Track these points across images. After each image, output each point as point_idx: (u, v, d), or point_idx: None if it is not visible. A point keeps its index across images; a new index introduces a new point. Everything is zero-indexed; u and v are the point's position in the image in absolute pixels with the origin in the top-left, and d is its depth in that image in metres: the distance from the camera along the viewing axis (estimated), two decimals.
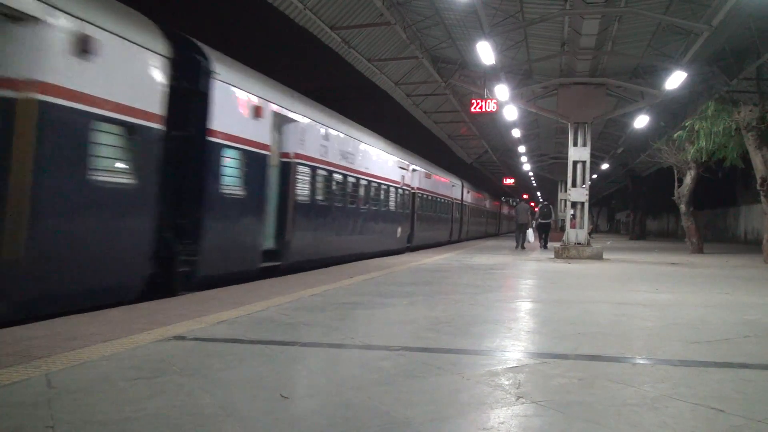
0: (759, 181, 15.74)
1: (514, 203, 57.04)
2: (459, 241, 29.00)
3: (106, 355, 3.69)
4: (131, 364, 3.51)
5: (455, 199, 28.27)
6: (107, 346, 3.95)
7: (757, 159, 15.75)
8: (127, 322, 4.88)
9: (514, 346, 4.37)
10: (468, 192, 32.37)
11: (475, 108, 17.38)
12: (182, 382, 3.19)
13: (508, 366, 3.69)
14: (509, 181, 47.47)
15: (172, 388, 3.06)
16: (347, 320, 5.26)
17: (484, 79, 16.82)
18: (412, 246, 19.44)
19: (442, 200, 25.05)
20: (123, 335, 4.29)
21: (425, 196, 21.70)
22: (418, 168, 20.46)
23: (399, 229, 17.73)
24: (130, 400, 2.84)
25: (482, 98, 17.14)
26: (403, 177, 18.32)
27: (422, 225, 21.06)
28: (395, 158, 17.81)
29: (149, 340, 4.18)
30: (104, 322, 4.83)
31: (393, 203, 17.20)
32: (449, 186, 26.91)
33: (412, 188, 19.77)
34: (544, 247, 20.61)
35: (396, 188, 17.47)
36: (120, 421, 2.57)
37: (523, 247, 20.58)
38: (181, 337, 4.31)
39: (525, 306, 6.87)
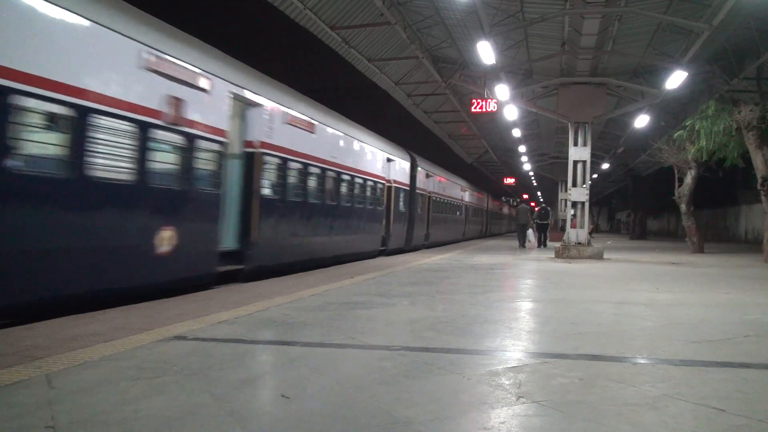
0: (759, 180, 15.74)
1: (514, 203, 57.08)
2: (407, 250, 18.98)
3: (107, 355, 3.69)
4: (132, 364, 3.51)
5: (398, 183, 17.70)
6: (108, 346, 3.95)
7: (757, 158, 15.75)
8: (128, 322, 4.88)
9: (514, 346, 4.37)
10: (429, 176, 22.20)
11: (475, 108, 17.39)
12: (183, 382, 3.19)
13: (509, 366, 3.69)
14: (509, 180, 47.36)
15: (173, 388, 3.06)
16: (348, 320, 5.25)
17: (485, 78, 16.81)
18: (249, 268, 9.28)
19: (358, 180, 14.47)
20: (123, 335, 4.29)
21: (299, 166, 11.10)
22: (262, 100, 9.65)
23: (174, 234, 7.42)
24: (131, 400, 2.84)
25: (482, 98, 17.14)
26: (202, 111, 8.00)
27: (288, 222, 10.89)
28: (145, 54, 6.99)
29: (150, 340, 4.18)
30: (104, 322, 4.83)
31: (152, 170, 7.09)
32: (378, 159, 16.23)
33: (250, 145, 9.44)
34: (544, 245, 21.95)
35: (175, 132, 7.47)
36: (121, 421, 2.57)
37: (524, 246, 21.91)
38: (182, 337, 4.31)
39: (525, 306, 6.87)
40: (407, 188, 19.37)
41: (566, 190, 20.11)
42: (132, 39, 6.74)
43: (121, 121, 6.51)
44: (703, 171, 20.49)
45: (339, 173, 13.29)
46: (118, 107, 6.45)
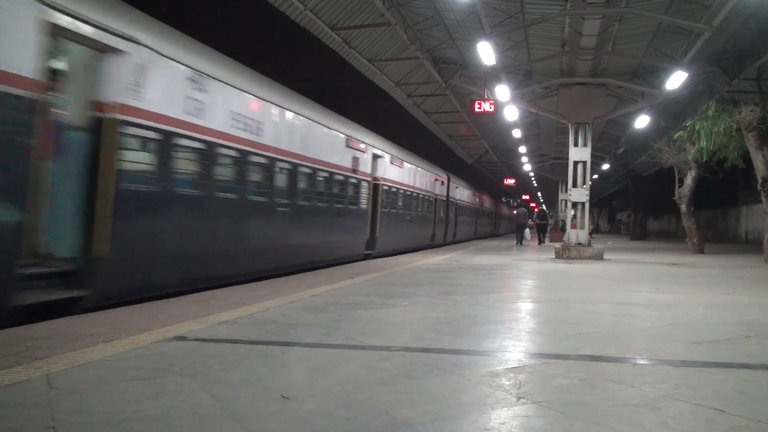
0: (760, 181, 15.73)
1: (514, 203, 57.09)
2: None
3: (107, 356, 3.69)
4: (132, 365, 3.51)
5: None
6: (108, 346, 3.95)
7: (757, 159, 15.74)
8: (128, 322, 4.88)
9: (514, 347, 4.37)
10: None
11: (479, 108, 17.36)
12: (183, 382, 3.19)
13: (509, 366, 3.69)
14: (510, 181, 47.25)
15: (173, 388, 3.06)
16: (348, 321, 5.25)
17: (485, 79, 16.81)
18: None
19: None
20: (124, 335, 4.29)
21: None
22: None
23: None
24: (131, 401, 2.84)
25: (483, 99, 17.14)
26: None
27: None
28: None
29: (150, 340, 4.18)
30: (105, 323, 4.83)
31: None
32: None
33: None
34: (542, 242, 25.70)
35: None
36: (121, 421, 2.57)
37: (521, 244, 24.78)
38: (182, 338, 4.31)
39: (526, 306, 6.87)
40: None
41: (566, 191, 20.14)
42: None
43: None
44: (703, 172, 20.47)
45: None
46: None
